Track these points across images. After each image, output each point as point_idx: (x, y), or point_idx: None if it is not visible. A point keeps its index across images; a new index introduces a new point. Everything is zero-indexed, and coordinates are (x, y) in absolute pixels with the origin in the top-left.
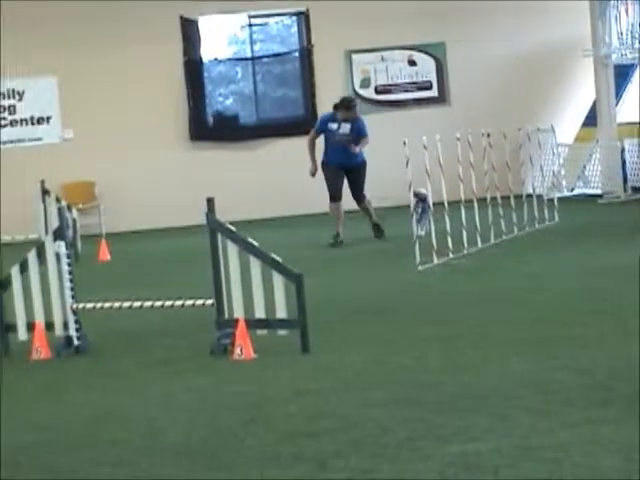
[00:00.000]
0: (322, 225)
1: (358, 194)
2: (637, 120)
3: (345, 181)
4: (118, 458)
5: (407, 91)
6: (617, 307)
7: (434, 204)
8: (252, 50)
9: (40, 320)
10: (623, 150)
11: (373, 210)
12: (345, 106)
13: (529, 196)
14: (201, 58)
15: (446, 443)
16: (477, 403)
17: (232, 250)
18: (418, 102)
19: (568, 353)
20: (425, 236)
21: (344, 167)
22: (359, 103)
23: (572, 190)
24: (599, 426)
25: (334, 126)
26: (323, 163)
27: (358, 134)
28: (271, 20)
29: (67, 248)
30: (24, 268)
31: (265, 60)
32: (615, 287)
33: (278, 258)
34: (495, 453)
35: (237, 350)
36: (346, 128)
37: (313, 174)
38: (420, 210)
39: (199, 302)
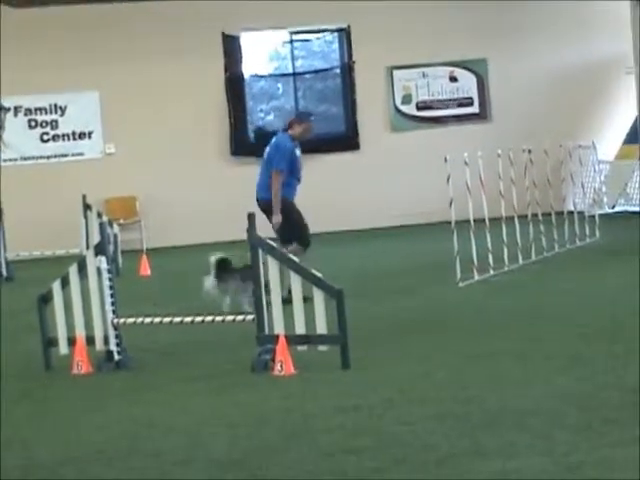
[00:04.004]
0: (363, 241)
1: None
2: None
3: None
4: (161, 470)
5: (448, 107)
6: None
7: (475, 221)
8: (293, 66)
9: (81, 334)
10: None
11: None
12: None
13: (570, 213)
14: (242, 74)
15: (487, 460)
16: (519, 420)
17: (273, 266)
18: (459, 118)
19: (612, 371)
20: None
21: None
22: None
23: (613, 207)
24: None
25: (298, 152)
26: (287, 201)
27: None
28: (312, 36)
29: (108, 263)
30: (65, 283)
31: (306, 76)
32: None
33: (319, 274)
34: (536, 471)
35: (278, 366)
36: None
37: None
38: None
39: (239, 317)
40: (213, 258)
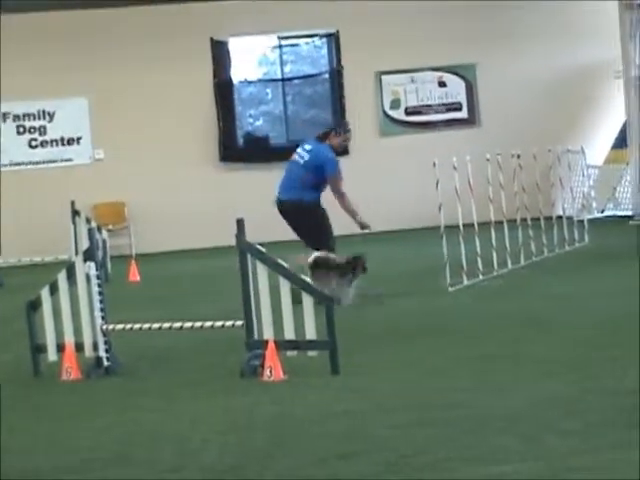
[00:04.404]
0: (351, 246)
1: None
2: None
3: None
4: (152, 478)
5: (437, 112)
6: None
7: (464, 225)
8: (282, 71)
9: (70, 341)
10: None
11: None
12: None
13: (559, 217)
14: (231, 79)
15: (478, 464)
16: (509, 425)
17: (262, 271)
18: (448, 123)
19: (601, 375)
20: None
21: None
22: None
23: (602, 212)
24: (632, 449)
25: None
26: (322, 207)
27: None
28: (301, 41)
29: (97, 269)
30: (54, 289)
31: (295, 81)
32: None
33: (308, 279)
34: (526, 475)
35: (267, 371)
36: None
37: (367, 227)
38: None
39: (229, 323)
40: (310, 258)
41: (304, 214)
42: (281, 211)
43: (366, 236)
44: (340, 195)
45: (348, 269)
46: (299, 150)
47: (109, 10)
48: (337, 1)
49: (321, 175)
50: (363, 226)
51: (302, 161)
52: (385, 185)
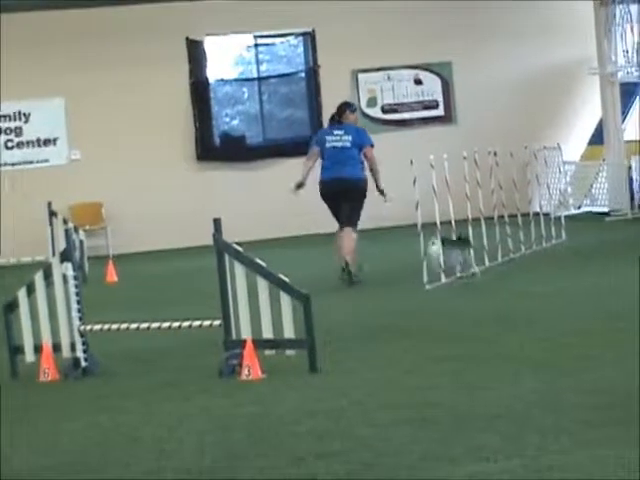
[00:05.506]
0: (329, 245)
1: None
2: None
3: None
4: (129, 479)
5: (413, 110)
6: (629, 325)
7: (441, 223)
8: (258, 70)
9: (47, 342)
10: (630, 168)
11: None
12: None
13: (536, 214)
14: (207, 79)
15: (457, 463)
16: (488, 423)
17: (239, 271)
18: (424, 121)
19: (580, 373)
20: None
21: None
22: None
23: (579, 208)
24: (612, 447)
25: None
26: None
27: None
28: (277, 40)
29: (74, 270)
30: (31, 290)
31: (271, 80)
32: (625, 305)
33: (285, 278)
34: (506, 473)
35: (245, 370)
36: None
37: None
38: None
39: (207, 323)
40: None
41: (363, 191)
42: (340, 189)
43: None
44: (375, 162)
45: (457, 244)
46: (333, 137)
47: (84, 10)
48: (313, 0)
49: (361, 151)
50: (383, 193)
51: (348, 144)
52: None
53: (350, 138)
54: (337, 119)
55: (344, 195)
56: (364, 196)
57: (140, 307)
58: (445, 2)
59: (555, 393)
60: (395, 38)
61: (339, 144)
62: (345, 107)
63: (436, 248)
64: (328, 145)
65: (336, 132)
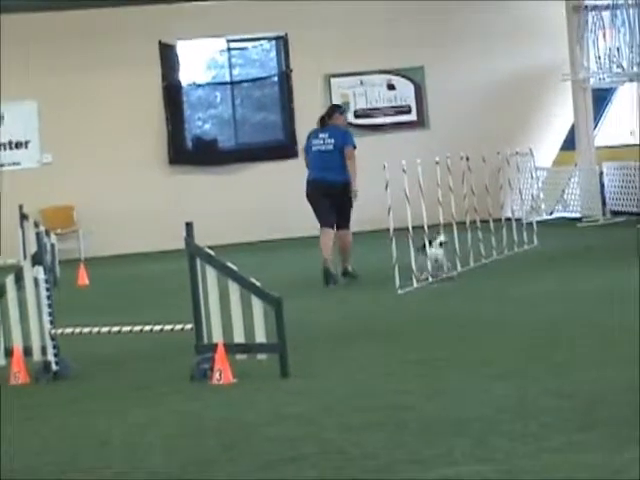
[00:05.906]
0: (300, 249)
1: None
2: (615, 144)
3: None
4: None
5: (386, 115)
6: (597, 331)
7: (414, 228)
8: (231, 74)
9: (18, 345)
10: (602, 174)
11: None
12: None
13: (508, 220)
14: (180, 82)
15: (427, 468)
16: (457, 427)
17: (211, 275)
18: (397, 126)
19: (549, 378)
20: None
21: None
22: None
23: (551, 214)
24: (580, 451)
25: None
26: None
27: None
28: (250, 45)
29: (45, 273)
30: (2, 293)
31: (244, 84)
32: (594, 311)
33: (257, 282)
34: (475, 478)
35: (216, 375)
36: None
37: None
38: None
39: (178, 327)
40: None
41: (347, 192)
42: (324, 192)
43: (314, 240)
44: (353, 163)
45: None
46: (318, 141)
47: (56, 13)
48: (286, 4)
49: (344, 153)
50: (354, 193)
51: (331, 147)
52: None
53: (333, 141)
54: (326, 121)
55: (329, 198)
56: (349, 197)
57: (111, 310)
58: (417, 7)
59: (524, 398)
60: (368, 43)
61: (323, 147)
62: (334, 109)
63: (434, 250)
64: (314, 149)
65: (321, 135)
